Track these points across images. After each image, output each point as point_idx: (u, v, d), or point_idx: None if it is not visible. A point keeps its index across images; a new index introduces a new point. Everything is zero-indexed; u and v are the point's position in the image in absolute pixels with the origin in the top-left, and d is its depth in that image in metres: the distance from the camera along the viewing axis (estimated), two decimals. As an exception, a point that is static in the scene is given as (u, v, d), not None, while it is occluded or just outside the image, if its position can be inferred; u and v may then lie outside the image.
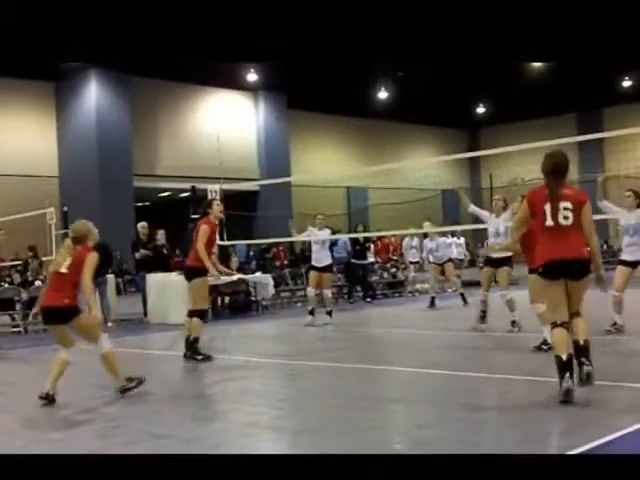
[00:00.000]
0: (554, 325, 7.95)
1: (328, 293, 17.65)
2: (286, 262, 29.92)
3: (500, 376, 9.98)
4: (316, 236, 17.69)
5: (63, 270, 9.32)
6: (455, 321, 17.08)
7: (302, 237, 19.22)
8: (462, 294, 20.65)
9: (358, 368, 11.18)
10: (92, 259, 9.38)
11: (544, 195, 8.04)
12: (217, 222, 13.04)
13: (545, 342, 11.15)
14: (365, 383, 10.02)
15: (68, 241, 9.54)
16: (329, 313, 17.43)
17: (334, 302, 19.37)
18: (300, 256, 28.44)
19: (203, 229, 12.24)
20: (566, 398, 7.68)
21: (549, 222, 7.92)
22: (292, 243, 29.43)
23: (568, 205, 7.92)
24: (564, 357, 7.75)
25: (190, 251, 12.62)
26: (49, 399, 9.16)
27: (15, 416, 8.81)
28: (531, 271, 10.87)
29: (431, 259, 21.23)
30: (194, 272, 12.37)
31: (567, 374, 7.70)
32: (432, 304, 20.45)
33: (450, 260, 21.77)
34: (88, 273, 9.28)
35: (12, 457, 6.47)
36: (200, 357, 12.35)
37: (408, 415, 8.10)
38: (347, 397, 9.04)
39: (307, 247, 24.54)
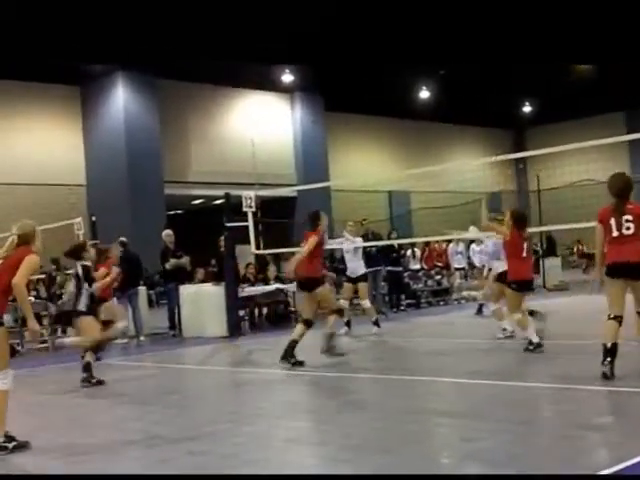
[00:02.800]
0: (608, 317, 9.74)
1: (367, 303, 17.75)
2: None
3: (549, 385, 10.04)
4: (352, 243, 17.87)
5: None
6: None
7: (335, 244, 19.41)
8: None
9: (402, 380, 11.27)
10: (32, 261, 8.38)
11: (610, 211, 9.94)
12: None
13: (531, 342, 12.73)
14: (409, 395, 10.11)
15: (12, 238, 8.52)
16: (375, 323, 17.57)
17: (378, 310, 19.44)
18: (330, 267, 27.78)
19: (312, 240, 13.09)
20: (603, 378, 9.47)
21: (615, 233, 9.77)
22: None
23: (629, 218, 9.77)
24: (609, 345, 9.61)
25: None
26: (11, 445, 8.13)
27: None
28: (508, 284, 13.03)
29: (477, 264, 21.27)
30: (315, 282, 13.15)
31: (607, 360, 9.56)
32: (479, 311, 20.42)
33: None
34: (24, 277, 8.28)
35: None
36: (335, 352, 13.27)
37: (454, 428, 8.19)
38: (391, 410, 9.13)
39: (338, 258, 24.54)
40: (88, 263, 13.24)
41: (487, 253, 20.11)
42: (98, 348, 13.39)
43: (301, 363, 12.85)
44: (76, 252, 13.20)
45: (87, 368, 12.61)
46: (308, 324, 13.12)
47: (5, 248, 8.51)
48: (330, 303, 13.58)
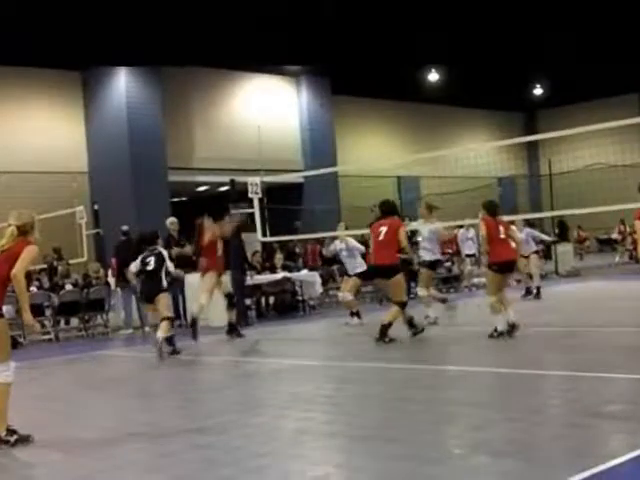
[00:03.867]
0: None
1: (347, 296, 17.96)
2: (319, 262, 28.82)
3: (558, 373, 10.08)
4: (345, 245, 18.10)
5: None
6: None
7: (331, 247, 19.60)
8: (528, 287, 21.02)
9: (411, 369, 11.31)
10: (31, 252, 8.35)
11: None
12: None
13: (496, 329, 13.34)
14: (418, 384, 10.14)
15: (12, 229, 8.46)
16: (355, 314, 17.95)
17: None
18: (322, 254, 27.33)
19: (403, 230, 14.43)
20: None
21: None
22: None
23: None
24: None
25: (376, 250, 14.27)
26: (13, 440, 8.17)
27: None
28: (489, 266, 13.75)
29: None
30: (393, 269, 14.17)
31: None
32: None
33: None
34: (22, 268, 8.23)
35: None
36: (387, 339, 13.94)
37: (464, 417, 8.22)
38: (400, 400, 9.18)
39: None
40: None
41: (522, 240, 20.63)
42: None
43: (393, 340, 13.92)
44: (152, 239, 15.59)
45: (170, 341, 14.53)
46: (403, 306, 14.25)
47: (5, 240, 8.43)
48: (402, 293, 14.41)
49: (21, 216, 8.56)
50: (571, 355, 11.70)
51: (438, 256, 17.58)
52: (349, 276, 18.15)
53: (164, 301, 14.90)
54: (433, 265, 17.23)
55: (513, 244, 14.09)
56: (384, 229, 14.16)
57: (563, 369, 10.59)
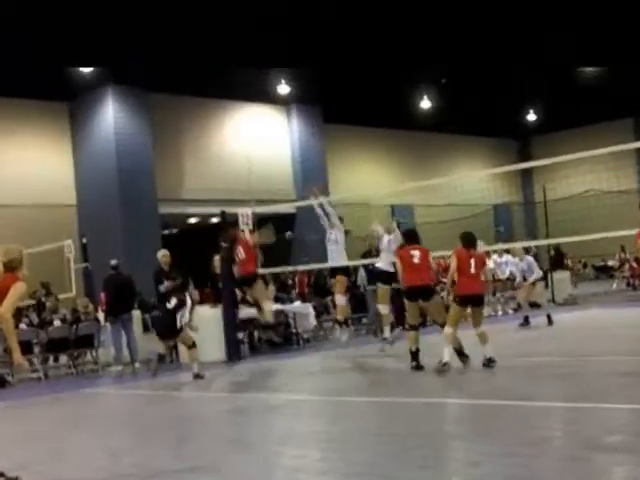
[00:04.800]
0: None
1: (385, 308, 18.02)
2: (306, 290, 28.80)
3: (555, 404, 10.04)
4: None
5: None
6: (509, 345, 17.05)
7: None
8: (526, 316, 21.10)
9: (407, 402, 11.25)
10: (19, 289, 8.24)
11: None
12: None
13: (440, 361, 13.53)
14: (415, 418, 10.10)
15: None
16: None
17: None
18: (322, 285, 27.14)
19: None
20: None
21: None
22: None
23: None
24: None
25: (415, 272, 14.36)
26: None
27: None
28: (454, 298, 14.25)
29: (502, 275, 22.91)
30: (432, 290, 14.82)
31: None
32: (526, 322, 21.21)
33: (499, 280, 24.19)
34: (10, 306, 8.12)
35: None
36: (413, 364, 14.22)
37: (460, 451, 8.19)
38: (396, 435, 9.13)
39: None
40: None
41: (522, 269, 20.95)
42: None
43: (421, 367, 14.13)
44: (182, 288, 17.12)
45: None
46: (416, 328, 14.44)
47: None
48: (444, 313, 14.67)
49: (8, 252, 8.47)
50: (569, 385, 11.69)
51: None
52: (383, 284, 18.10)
53: (186, 337, 16.58)
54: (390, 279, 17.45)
55: (483, 277, 14.43)
56: (416, 253, 14.41)
57: (562, 399, 10.55)
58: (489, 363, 13.46)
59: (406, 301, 14.56)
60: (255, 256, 18.25)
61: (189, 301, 16.66)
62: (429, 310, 15.01)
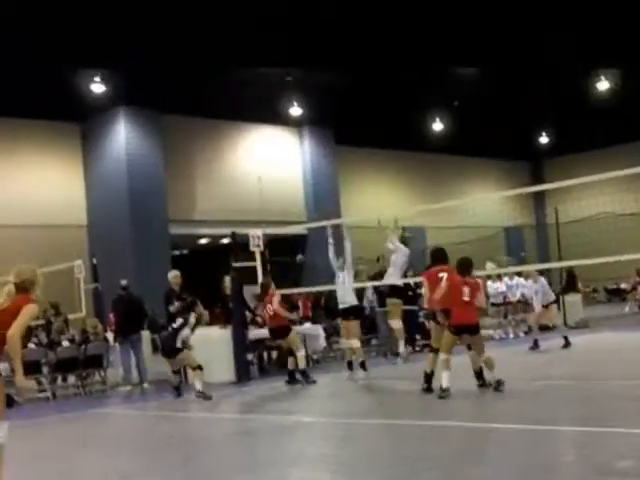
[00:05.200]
0: None
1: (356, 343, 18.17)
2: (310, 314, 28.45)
3: (571, 428, 9.97)
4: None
5: None
6: (521, 369, 16.98)
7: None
8: (536, 340, 20.96)
9: (418, 425, 11.18)
10: (30, 311, 8.20)
11: None
12: None
13: (441, 387, 13.24)
14: (426, 441, 10.04)
15: (9, 287, 8.35)
16: (362, 365, 17.93)
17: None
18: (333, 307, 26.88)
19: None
20: None
21: None
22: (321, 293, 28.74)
23: None
24: None
25: (458, 308, 13.74)
26: None
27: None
28: (448, 327, 13.74)
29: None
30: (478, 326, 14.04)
31: None
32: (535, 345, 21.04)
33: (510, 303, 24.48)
34: (20, 327, 8.06)
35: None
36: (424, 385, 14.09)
37: (474, 477, 8.10)
38: (406, 457, 9.07)
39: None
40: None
41: (536, 290, 20.98)
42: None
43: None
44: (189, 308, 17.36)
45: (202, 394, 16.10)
46: (437, 351, 14.14)
47: (1, 299, 8.26)
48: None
49: (20, 273, 8.43)
50: (580, 408, 11.62)
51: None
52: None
53: (184, 357, 16.70)
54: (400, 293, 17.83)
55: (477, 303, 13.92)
56: (444, 275, 14.23)
57: (573, 423, 10.49)
58: (498, 386, 13.33)
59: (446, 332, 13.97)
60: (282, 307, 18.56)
61: (192, 320, 16.89)
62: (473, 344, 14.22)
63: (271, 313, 17.90)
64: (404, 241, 21.26)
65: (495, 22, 27.00)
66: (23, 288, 8.34)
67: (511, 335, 26.04)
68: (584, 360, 18.51)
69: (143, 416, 15.25)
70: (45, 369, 19.50)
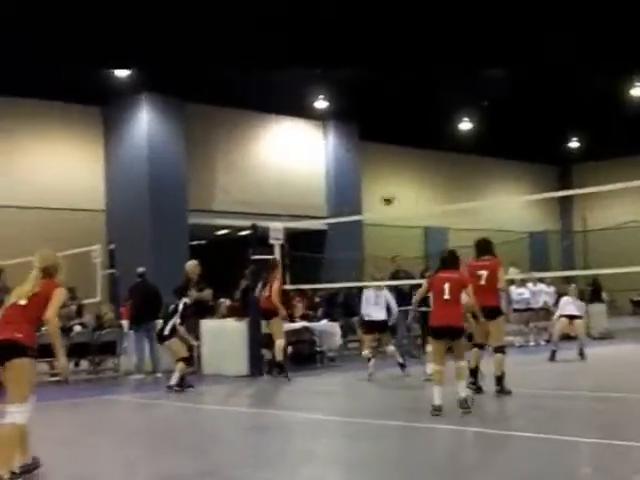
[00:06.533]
0: None
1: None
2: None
3: (589, 440, 9.97)
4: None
5: (22, 302, 8.63)
6: (540, 378, 16.99)
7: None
8: (553, 351, 20.83)
9: (431, 428, 11.18)
10: (60, 295, 8.75)
11: None
12: None
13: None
14: (437, 445, 10.07)
15: (35, 272, 8.80)
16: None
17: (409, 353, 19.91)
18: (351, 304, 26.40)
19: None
20: None
21: None
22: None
23: None
24: None
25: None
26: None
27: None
28: (429, 329, 13.07)
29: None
30: (498, 311, 14.24)
31: None
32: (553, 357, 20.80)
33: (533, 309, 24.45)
34: (54, 311, 8.62)
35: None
36: (507, 391, 13.95)
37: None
38: (417, 461, 9.12)
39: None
40: (188, 301, 17.18)
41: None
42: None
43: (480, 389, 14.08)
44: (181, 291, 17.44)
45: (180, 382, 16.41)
46: (482, 347, 14.35)
47: (29, 284, 8.68)
48: (503, 337, 14.65)
49: (45, 258, 8.89)
50: (599, 421, 11.62)
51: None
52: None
53: (170, 345, 16.84)
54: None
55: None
56: (484, 273, 14.08)
57: (591, 435, 10.48)
58: (461, 405, 11.95)
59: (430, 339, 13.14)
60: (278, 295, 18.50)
61: (181, 307, 16.96)
62: (489, 329, 14.00)
63: (266, 295, 18.19)
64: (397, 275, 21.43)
65: (529, 22, 26.89)
66: (48, 273, 8.75)
67: (532, 343, 25.99)
68: (606, 372, 18.47)
69: (154, 405, 15.34)
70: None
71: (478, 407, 12.95)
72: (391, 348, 18.25)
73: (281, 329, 18.19)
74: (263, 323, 18.83)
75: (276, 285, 18.08)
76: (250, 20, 25.47)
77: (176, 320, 16.77)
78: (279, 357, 17.93)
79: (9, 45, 25.95)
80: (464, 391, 11.96)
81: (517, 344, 25.69)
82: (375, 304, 18.24)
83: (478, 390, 14.01)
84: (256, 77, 30.96)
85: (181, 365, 16.55)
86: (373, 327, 18.27)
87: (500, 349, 14.16)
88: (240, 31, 26.41)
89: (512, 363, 19.79)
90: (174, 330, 16.73)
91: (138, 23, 25.46)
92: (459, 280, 12.42)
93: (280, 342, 18.05)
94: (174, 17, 25.28)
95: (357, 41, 27.65)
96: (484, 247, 14.80)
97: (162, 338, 16.90)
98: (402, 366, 17.87)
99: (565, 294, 21.98)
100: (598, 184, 16.13)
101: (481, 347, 14.29)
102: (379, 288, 18.55)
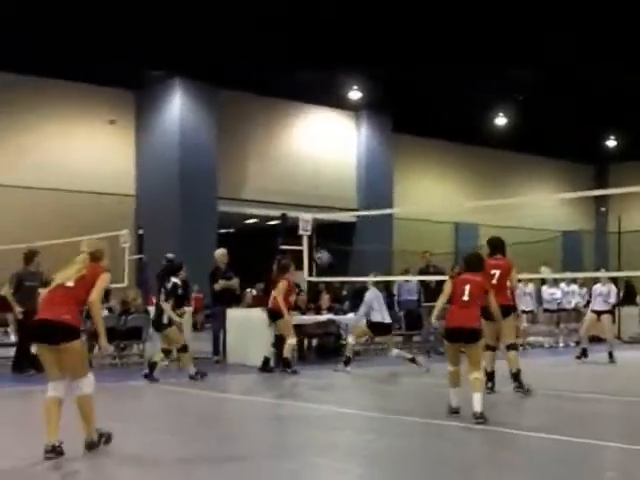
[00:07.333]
0: None
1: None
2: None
3: (615, 444, 9.99)
4: None
5: (70, 284, 9.12)
6: (566, 380, 16.97)
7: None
8: (584, 349, 20.73)
9: (455, 426, 11.19)
10: (105, 279, 9.30)
11: None
12: None
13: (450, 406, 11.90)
14: (461, 446, 10.09)
15: (83, 256, 9.35)
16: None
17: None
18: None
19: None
20: None
21: None
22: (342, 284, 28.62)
23: None
24: None
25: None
26: (56, 452, 8.83)
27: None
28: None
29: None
30: (508, 310, 14.14)
31: None
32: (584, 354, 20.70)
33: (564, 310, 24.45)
34: (98, 294, 9.19)
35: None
36: (525, 388, 14.07)
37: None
38: (438, 459, 9.15)
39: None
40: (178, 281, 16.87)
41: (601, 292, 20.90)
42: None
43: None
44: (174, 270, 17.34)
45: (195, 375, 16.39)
46: (494, 349, 14.37)
47: (77, 266, 9.23)
48: (513, 333, 14.77)
49: (92, 244, 9.72)
50: (629, 426, 11.62)
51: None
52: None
53: (168, 333, 16.67)
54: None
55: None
56: (497, 272, 14.14)
57: (619, 440, 10.46)
58: (475, 417, 11.20)
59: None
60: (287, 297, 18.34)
61: (169, 286, 16.74)
62: (501, 327, 14.03)
63: (273, 295, 18.01)
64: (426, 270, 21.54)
65: (567, 18, 26.81)
66: (95, 257, 9.40)
67: (561, 344, 25.89)
68: (634, 376, 18.42)
69: (178, 392, 15.45)
70: (83, 337, 19.69)
71: (501, 407, 13.00)
72: (395, 352, 18.24)
73: (290, 328, 17.95)
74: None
75: (282, 285, 17.84)
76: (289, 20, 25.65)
77: (161, 297, 16.68)
78: (287, 354, 17.83)
79: (48, 29, 26.24)
80: (479, 405, 11.22)
81: (547, 345, 25.64)
82: (382, 305, 18.34)
83: (490, 390, 13.95)
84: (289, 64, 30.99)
85: (186, 356, 16.76)
86: (381, 329, 18.31)
87: (513, 346, 14.31)
88: (271, 30, 26.60)
89: (540, 364, 19.95)
90: (171, 318, 16.58)
91: (174, 9, 25.65)
92: (480, 284, 12.10)
93: (292, 341, 17.98)
94: (211, 4, 25.44)
95: (394, 40, 27.75)
96: (497, 245, 15.23)
97: (159, 326, 16.77)
98: (413, 360, 17.95)
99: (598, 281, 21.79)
100: (635, 184, 15.99)
101: (493, 349, 14.29)
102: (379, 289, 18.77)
